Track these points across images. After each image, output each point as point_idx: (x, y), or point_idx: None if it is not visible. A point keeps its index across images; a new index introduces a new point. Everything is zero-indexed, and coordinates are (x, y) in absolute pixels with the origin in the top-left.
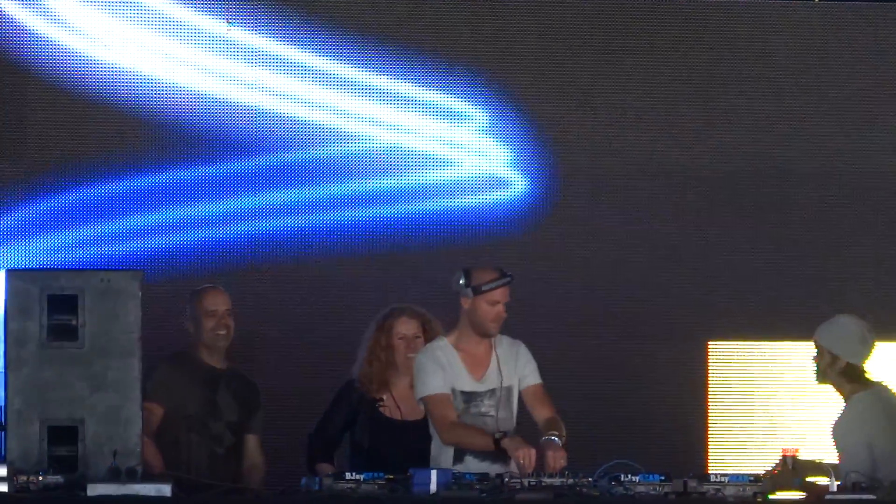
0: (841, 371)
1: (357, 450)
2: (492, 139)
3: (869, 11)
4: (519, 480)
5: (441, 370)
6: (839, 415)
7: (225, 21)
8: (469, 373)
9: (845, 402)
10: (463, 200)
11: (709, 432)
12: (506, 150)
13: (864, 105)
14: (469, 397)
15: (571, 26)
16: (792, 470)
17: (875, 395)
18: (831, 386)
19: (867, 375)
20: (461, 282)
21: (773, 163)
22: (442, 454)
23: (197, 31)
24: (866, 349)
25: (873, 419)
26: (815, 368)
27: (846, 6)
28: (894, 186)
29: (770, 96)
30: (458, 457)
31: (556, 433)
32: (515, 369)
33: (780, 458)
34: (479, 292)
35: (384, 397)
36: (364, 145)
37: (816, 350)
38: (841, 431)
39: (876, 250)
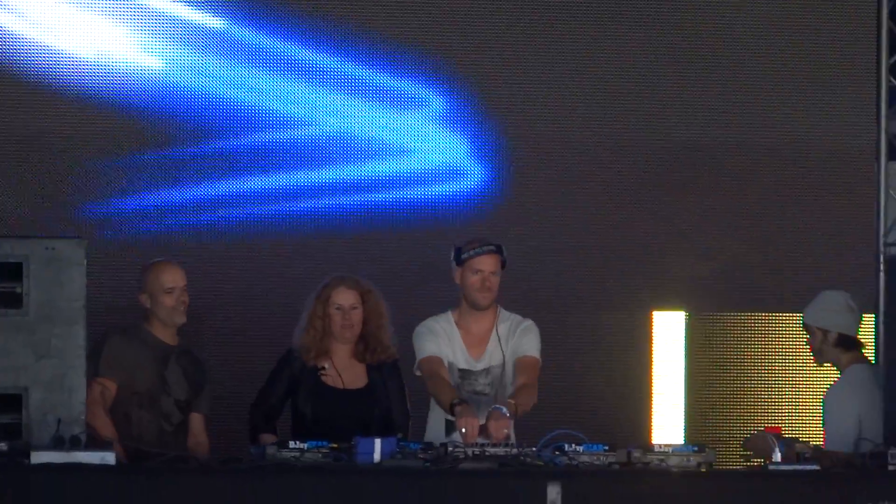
0: (835, 343)
1: (300, 419)
2: (444, 127)
3: None
4: (463, 450)
5: (436, 339)
6: (833, 384)
7: None
8: (467, 351)
9: (841, 373)
10: (419, 190)
11: (653, 403)
12: (459, 138)
13: (823, 79)
14: (464, 375)
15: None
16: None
17: (871, 370)
18: (831, 365)
19: (862, 350)
20: (452, 255)
21: (730, 135)
22: (434, 426)
23: (154, 16)
24: (854, 317)
25: (867, 391)
26: (812, 350)
27: None
28: (850, 159)
29: (728, 69)
30: (449, 430)
31: (510, 401)
32: (512, 344)
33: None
34: (461, 262)
35: (326, 366)
36: (318, 132)
37: (807, 333)
38: (832, 400)
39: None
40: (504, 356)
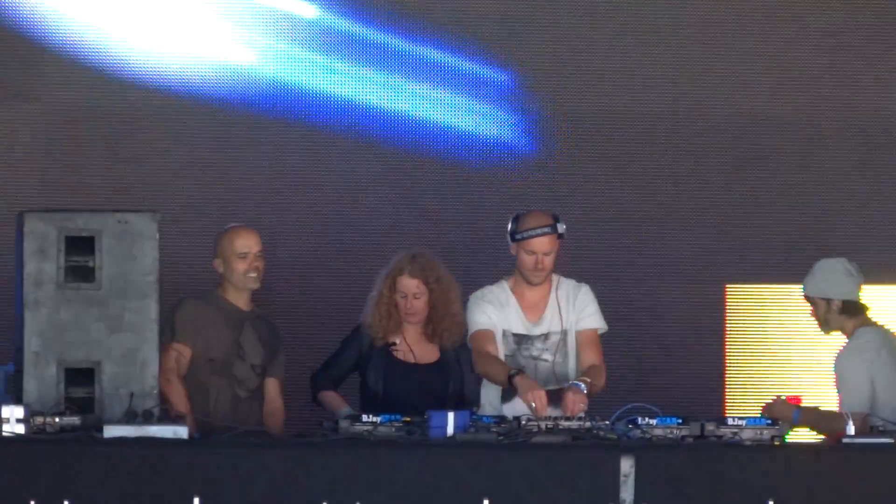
0: (839, 311)
1: (372, 398)
2: (499, 104)
3: None
4: (536, 423)
5: (489, 309)
6: (841, 349)
7: None
8: (524, 315)
9: (848, 338)
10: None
11: (726, 376)
12: (515, 113)
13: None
14: (521, 339)
15: None
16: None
17: (878, 331)
18: (839, 332)
19: (867, 314)
20: (509, 227)
21: (797, 108)
22: (489, 399)
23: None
24: (854, 282)
25: (876, 352)
26: (817, 321)
27: None
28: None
29: (784, 43)
30: (507, 397)
31: (586, 379)
32: (575, 312)
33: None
34: (516, 240)
35: (397, 341)
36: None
37: (810, 304)
38: (842, 364)
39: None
40: (563, 324)
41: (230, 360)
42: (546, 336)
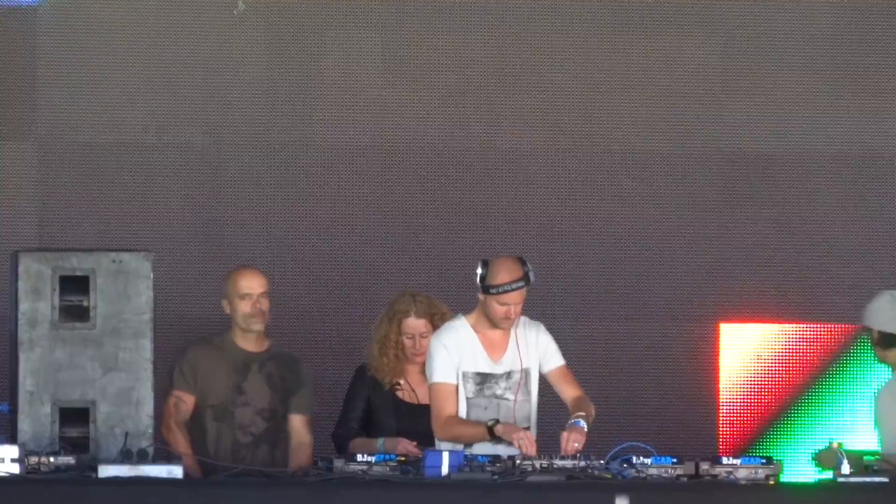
0: (877, 341)
1: (383, 432)
2: None
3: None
4: (531, 462)
5: (450, 355)
6: (885, 384)
7: (239, 1)
8: (486, 354)
9: (892, 372)
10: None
11: (720, 414)
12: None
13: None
14: (483, 379)
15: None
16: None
17: None
18: (886, 363)
19: None
20: (478, 273)
21: (789, 145)
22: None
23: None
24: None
25: None
26: (873, 350)
27: None
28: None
29: (781, 77)
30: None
31: (583, 414)
32: (536, 351)
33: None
34: (489, 293)
35: (400, 382)
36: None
37: (868, 332)
38: (883, 401)
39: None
40: (522, 363)
41: (229, 407)
42: (508, 374)
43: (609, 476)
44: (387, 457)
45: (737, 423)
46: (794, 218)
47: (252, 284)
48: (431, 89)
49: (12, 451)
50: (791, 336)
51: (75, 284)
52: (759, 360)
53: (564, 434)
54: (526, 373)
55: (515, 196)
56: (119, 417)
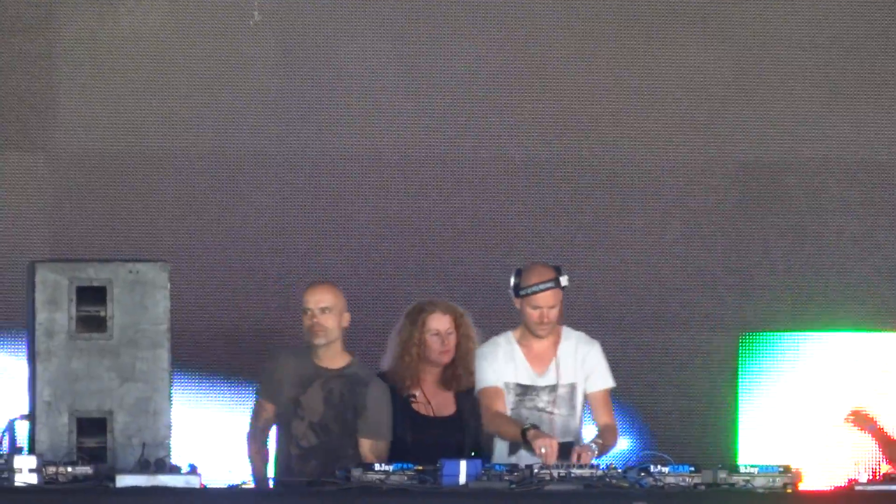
0: None
1: (399, 444)
2: None
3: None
4: (549, 471)
5: (494, 364)
6: None
7: (255, 12)
8: (530, 366)
9: None
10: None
11: (739, 424)
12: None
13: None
14: (525, 391)
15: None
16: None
17: None
18: None
19: None
20: (511, 282)
21: (806, 153)
22: (501, 451)
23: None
24: None
25: None
26: None
27: None
28: None
29: (790, 86)
30: (513, 450)
31: (600, 441)
32: (582, 368)
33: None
34: (520, 295)
35: (416, 394)
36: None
37: None
38: None
39: None
40: (570, 377)
41: (288, 417)
42: (553, 388)
43: (626, 485)
44: (405, 466)
45: (757, 433)
46: (812, 226)
47: (311, 300)
48: (446, 97)
49: (30, 461)
50: (811, 345)
51: (92, 295)
52: (779, 370)
53: (577, 448)
54: (571, 388)
55: (533, 205)
56: (136, 427)
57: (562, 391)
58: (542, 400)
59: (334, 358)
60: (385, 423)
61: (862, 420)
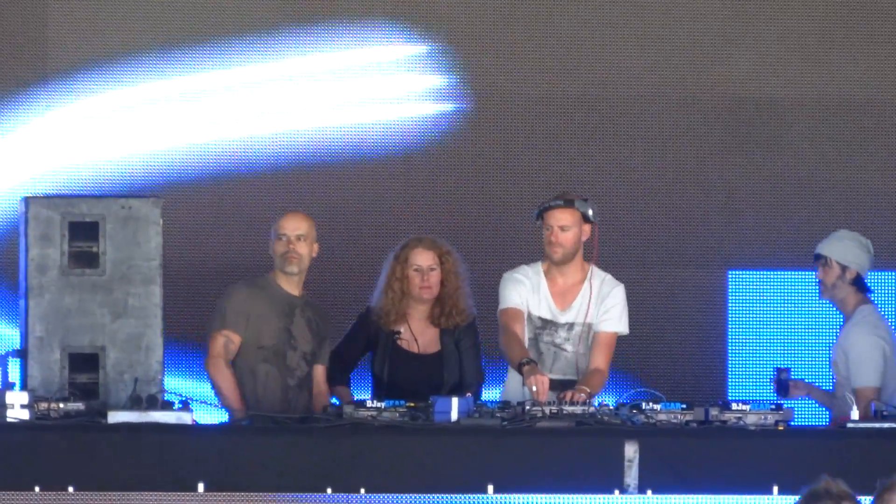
0: (850, 282)
1: (376, 381)
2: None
3: None
4: (541, 409)
5: (520, 288)
6: (846, 327)
7: None
8: (552, 301)
9: (849, 315)
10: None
11: (728, 361)
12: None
13: (868, 28)
14: (544, 325)
15: None
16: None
17: (878, 312)
18: (832, 301)
19: (868, 296)
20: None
21: (794, 90)
22: (513, 384)
23: None
24: (870, 260)
25: (884, 325)
26: (822, 283)
27: None
28: None
29: (789, 20)
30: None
31: (586, 390)
32: (601, 308)
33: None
34: (537, 217)
35: (402, 330)
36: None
37: (824, 264)
38: (852, 340)
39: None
40: (589, 317)
41: (282, 349)
42: (571, 326)
43: (618, 422)
44: (396, 402)
45: (746, 370)
46: (802, 163)
47: (287, 225)
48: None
49: (22, 397)
50: (799, 283)
51: (84, 230)
52: (768, 307)
53: (568, 392)
54: (589, 327)
55: (529, 144)
56: (128, 363)
57: (578, 329)
58: (560, 336)
59: (299, 287)
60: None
61: (792, 388)
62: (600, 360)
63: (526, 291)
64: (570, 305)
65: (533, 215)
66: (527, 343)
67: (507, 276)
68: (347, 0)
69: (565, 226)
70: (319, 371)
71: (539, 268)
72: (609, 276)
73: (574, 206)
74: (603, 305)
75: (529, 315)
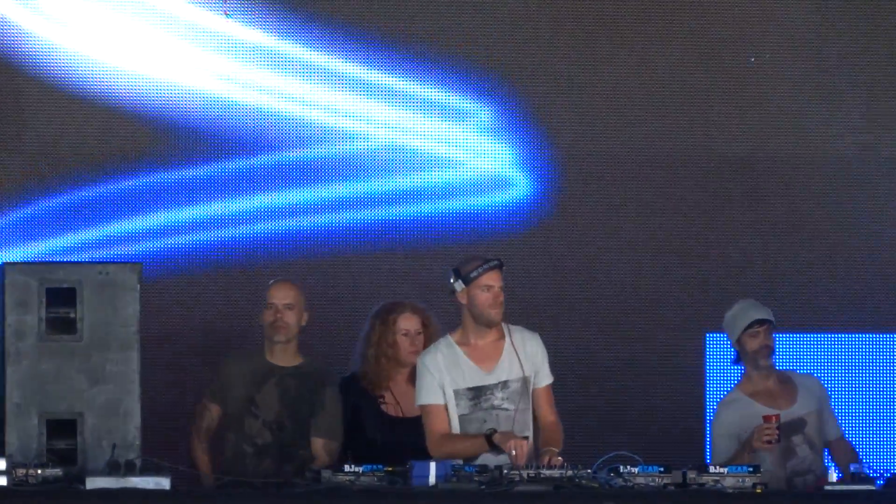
0: None
1: (370, 446)
2: (492, 138)
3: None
4: (518, 472)
5: (437, 376)
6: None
7: (223, 12)
8: (477, 367)
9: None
10: (463, 201)
11: (707, 424)
12: (506, 149)
13: (850, 92)
14: (477, 392)
15: (566, 18)
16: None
17: None
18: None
19: None
20: (451, 279)
21: (770, 150)
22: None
23: (196, 29)
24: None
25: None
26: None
27: None
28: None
29: (764, 81)
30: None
31: (554, 450)
32: (531, 362)
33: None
34: (469, 281)
35: (385, 395)
36: (365, 144)
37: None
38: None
39: (875, 239)
40: (523, 371)
41: (241, 416)
42: (505, 384)
43: (596, 485)
44: (374, 467)
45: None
46: (778, 224)
47: (276, 295)
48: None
49: None
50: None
51: (62, 296)
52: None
53: (545, 454)
54: (524, 381)
55: (496, 203)
56: (107, 429)
57: (514, 386)
58: (497, 397)
59: (290, 356)
60: (339, 423)
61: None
62: (551, 414)
63: (444, 374)
64: (497, 365)
65: (456, 283)
66: (466, 416)
67: (421, 364)
68: None
69: (502, 286)
70: (316, 445)
71: (450, 340)
72: (520, 328)
73: (502, 266)
74: (534, 360)
75: (456, 392)
